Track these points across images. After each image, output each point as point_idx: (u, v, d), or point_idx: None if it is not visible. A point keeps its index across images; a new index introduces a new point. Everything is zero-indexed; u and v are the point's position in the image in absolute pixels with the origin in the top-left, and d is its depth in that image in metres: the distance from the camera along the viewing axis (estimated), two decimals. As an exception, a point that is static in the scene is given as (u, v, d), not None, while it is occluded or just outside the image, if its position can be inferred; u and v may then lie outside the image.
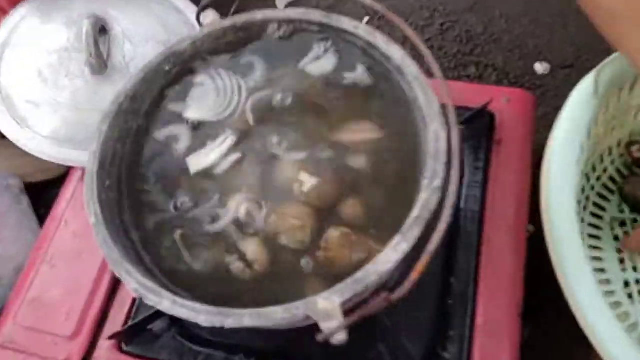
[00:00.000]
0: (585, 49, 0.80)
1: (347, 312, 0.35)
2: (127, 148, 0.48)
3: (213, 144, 0.48)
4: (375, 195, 0.45)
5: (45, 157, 0.65)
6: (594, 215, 0.67)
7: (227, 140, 0.47)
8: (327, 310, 0.35)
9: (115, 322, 0.58)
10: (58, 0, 0.72)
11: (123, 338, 0.56)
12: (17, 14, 0.71)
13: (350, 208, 0.45)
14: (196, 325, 0.56)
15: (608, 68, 0.58)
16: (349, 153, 0.46)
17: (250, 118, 0.48)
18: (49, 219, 0.66)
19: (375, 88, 0.48)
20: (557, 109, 0.78)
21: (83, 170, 0.68)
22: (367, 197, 0.45)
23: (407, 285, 0.34)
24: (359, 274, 0.36)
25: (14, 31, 0.70)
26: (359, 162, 0.46)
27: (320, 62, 0.49)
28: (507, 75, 0.80)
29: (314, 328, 0.35)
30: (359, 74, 0.48)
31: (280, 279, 0.43)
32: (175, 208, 0.46)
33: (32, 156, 0.84)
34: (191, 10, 0.72)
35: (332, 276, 0.40)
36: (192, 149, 0.47)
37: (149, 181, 0.47)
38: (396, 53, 0.45)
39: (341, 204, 0.45)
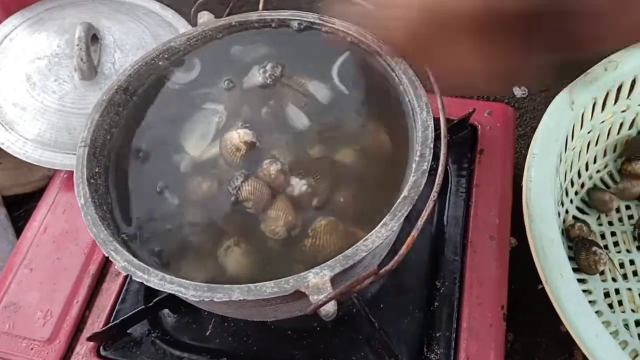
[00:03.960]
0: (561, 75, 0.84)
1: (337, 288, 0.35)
2: (115, 138, 0.48)
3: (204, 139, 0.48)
4: (362, 188, 0.45)
5: (28, 160, 0.64)
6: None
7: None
8: (318, 284, 0.35)
9: (94, 327, 0.57)
10: (51, 11, 0.73)
11: (102, 339, 0.54)
12: (9, 24, 0.72)
13: (338, 200, 0.45)
14: (178, 329, 0.56)
15: (581, 83, 0.61)
16: (338, 150, 0.47)
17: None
18: (28, 224, 0.65)
19: (364, 86, 0.49)
20: (535, 129, 0.81)
21: (66, 174, 0.67)
22: (355, 190, 0.45)
23: (396, 258, 0.34)
24: (349, 251, 0.37)
25: (6, 39, 0.70)
26: (347, 158, 0.47)
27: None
28: (488, 98, 0.83)
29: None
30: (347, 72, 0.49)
31: (267, 268, 0.43)
32: (160, 201, 0.46)
33: (10, 169, 0.83)
34: (182, 25, 0.74)
35: (319, 263, 0.40)
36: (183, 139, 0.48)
37: (135, 173, 0.47)
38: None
39: (330, 197, 0.45)
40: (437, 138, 0.42)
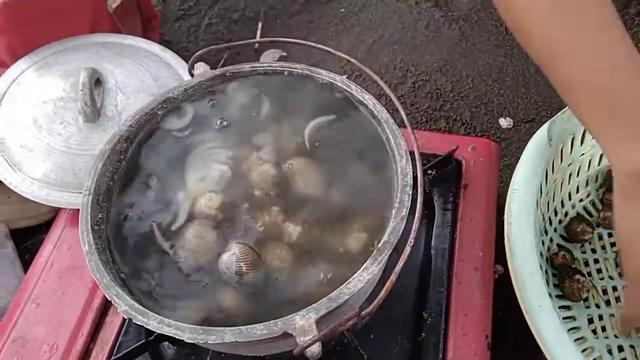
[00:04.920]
0: (545, 105, 0.87)
1: (322, 328, 0.38)
2: (117, 184, 0.51)
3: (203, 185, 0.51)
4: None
5: (35, 199, 0.67)
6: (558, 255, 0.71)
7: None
8: (304, 326, 0.38)
9: None
10: (57, 55, 0.77)
11: (105, 373, 0.57)
12: (17, 68, 0.76)
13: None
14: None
15: (559, 120, 0.64)
16: (327, 196, 0.50)
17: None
18: (35, 260, 0.68)
19: (351, 134, 0.52)
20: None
21: (71, 211, 0.70)
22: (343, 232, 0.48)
23: (376, 302, 0.37)
24: (333, 294, 0.39)
25: (13, 83, 0.74)
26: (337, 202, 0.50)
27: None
28: (474, 128, 0.87)
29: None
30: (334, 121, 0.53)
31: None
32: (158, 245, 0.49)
33: (17, 203, 0.87)
34: (181, 66, 0.78)
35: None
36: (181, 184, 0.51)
37: (135, 218, 0.50)
38: (369, 100, 0.50)
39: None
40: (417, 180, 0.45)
